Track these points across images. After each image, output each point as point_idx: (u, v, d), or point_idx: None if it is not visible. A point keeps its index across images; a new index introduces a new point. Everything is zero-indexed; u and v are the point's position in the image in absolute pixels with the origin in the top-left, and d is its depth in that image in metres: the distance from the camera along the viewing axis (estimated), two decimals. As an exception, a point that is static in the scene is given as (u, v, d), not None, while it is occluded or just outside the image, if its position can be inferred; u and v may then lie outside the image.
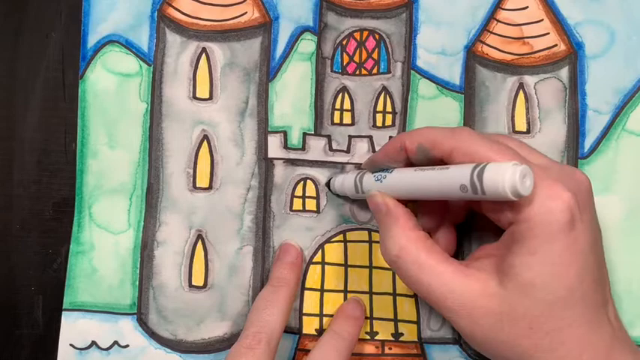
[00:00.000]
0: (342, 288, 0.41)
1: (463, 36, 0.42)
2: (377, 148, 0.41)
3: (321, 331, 0.41)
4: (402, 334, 0.41)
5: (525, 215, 0.30)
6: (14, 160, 0.42)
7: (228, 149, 0.41)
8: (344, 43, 0.42)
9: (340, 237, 0.41)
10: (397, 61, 0.42)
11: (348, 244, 0.41)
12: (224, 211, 0.41)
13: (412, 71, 0.42)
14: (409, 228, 0.34)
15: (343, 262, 0.41)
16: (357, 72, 0.42)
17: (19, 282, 0.41)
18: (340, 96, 0.42)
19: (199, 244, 0.41)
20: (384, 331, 0.41)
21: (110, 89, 0.41)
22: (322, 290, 0.41)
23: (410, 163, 0.36)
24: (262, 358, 0.35)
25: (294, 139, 0.41)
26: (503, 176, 0.28)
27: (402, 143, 0.35)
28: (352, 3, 0.42)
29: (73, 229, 0.41)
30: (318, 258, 0.41)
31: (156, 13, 0.42)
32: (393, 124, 0.41)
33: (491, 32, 0.41)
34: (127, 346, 0.41)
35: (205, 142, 0.41)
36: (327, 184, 0.41)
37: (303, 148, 0.41)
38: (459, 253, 0.40)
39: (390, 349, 0.41)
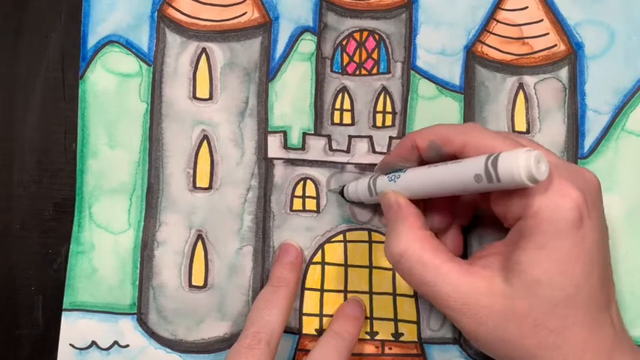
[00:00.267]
0: (342, 288, 0.41)
1: (463, 36, 0.42)
2: (377, 148, 0.41)
3: (321, 331, 0.41)
4: (402, 334, 0.41)
5: (534, 210, 0.30)
6: (14, 160, 0.42)
7: (228, 149, 0.41)
8: (344, 43, 0.42)
9: (340, 237, 0.41)
10: (397, 61, 0.42)
11: (348, 244, 0.41)
12: (224, 211, 0.41)
13: (412, 71, 0.42)
14: (417, 227, 0.34)
15: (343, 262, 0.41)
16: (357, 72, 0.42)
17: (19, 282, 0.41)
18: (340, 96, 0.42)
19: (199, 244, 0.41)
20: (384, 331, 0.41)
21: (110, 89, 0.41)
22: (322, 290, 0.41)
23: (422, 163, 0.35)
24: (262, 358, 0.35)
25: (294, 139, 0.41)
26: (518, 162, 0.28)
27: (413, 142, 0.35)
28: (352, 3, 0.42)
29: (73, 229, 0.41)
30: (318, 258, 0.41)
31: (156, 14, 0.42)
32: (393, 124, 0.41)
33: (490, 32, 0.42)
34: (127, 346, 0.41)
35: (205, 142, 0.41)
36: (341, 193, 0.41)
37: (303, 148, 0.41)
38: (462, 257, 0.40)
39: (390, 349, 0.41)
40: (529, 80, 0.41)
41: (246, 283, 0.41)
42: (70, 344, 0.41)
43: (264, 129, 0.42)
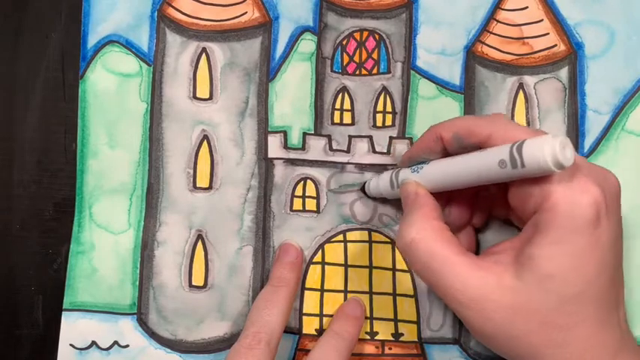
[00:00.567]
0: (342, 288, 0.41)
1: (463, 36, 0.42)
2: (377, 148, 0.41)
3: (321, 331, 0.41)
4: (402, 334, 0.41)
5: (552, 203, 0.30)
6: (14, 160, 0.42)
7: (228, 149, 0.41)
8: (344, 43, 0.42)
9: (340, 237, 0.41)
10: (397, 61, 0.42)
11: (348, 244, 0.41)
12: (224, 211, 0.41)
13: (412, 71, 0.42)
14: (432, 217, 0.34)
15: (343, 262, 0.41)
16: (357, 72, 0.42)
17: (19, 282, 0.41)
18: (340, 96, 0.42)
19: (199, 244, 0.41)
20: (384, 331, 0.41)
21: (110, 89, 0.41)
22: (322, 290, 0.41)
23: (446, 156, 0.35)
24: (262, 358, 0.35)
25: (294, 138, 0.42)
26: (544, 147, 0.28)
27: (438, 134, 0.35)
28: (352, 3, 0.42)
29: (73, 229, 0.41)
30: (318, 258, 0.41)
31: (156, 13, 0.42)
32: (393, 124, 0.42)
33: (490, 32, 0.42)
34: (127, 346, 0.41)
35: (205, 142, 0.41)
36: (362, 189, 0.41)
37: (303, 148, 0.42)
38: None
39: (390, 349, 0.41)
40: (529, 80, 0.41)
41: (246, 283, 0.41)
42: (70, 344, 0.41)
43: (264, 129, 0.42)
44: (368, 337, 0.41)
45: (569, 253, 0.30)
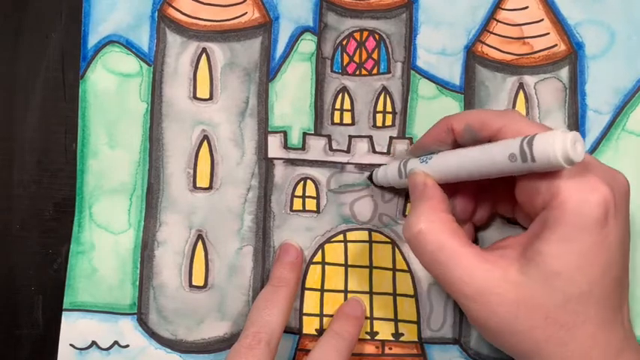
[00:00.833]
0: (342, 288, 0.41)
1: (463, 36, 0.42)
2: (377, 148, 0.42)
3: (321, 331, 0.41)
4: (402, 334, 0.41)
5: (561, 200, 0.30)
6: (14, 160, 0.42)
7: (228, 149, 0.42)
8: (344, 43, 0.42)
9: (340, 237, 0.42)
10: (397, 61, 0.42)
11: (348, 244, 0.42)
12: (224, 211, 0.41)
13: (412, 71, 0.42)
14: (440, 209, 0.34)
15: (343, 262, 0.41)
16: (357, 72, 0.42)
17: (19, 282, 0.42)
18: (340, 96, 0.42)
19: (199, 244, 0.41)
20: (384, 331, 0.41)
21: (110, 89, 0.42)
22: (322, 290, 0.41)
23: (456, 147, 0.36)
24: (262, 358, 0.35)
25: (294, 138, 0.42)
26: (554, 141, 0.28)
27: (449, 125, 0.35)
28: (352, 3, 0.42)
29: (73, 229, 0.41)
30: (318, 258, 0.42)
31: (156, 14, 0.42)
32: (393, 124, 0.42)
33: (491, 32, 0.42)
34: (127, 346, 0.41)
35: (205, 142, 0.42)
36: (369, 178, 0.41)
37: (303, 148, 0.42)
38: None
39: (390, 349, 0.41)
40: (529, 80, 0.42)
41: (246, 283, 0.41)
42: (71, 344, 0.41)
43: (264, 129, 0.42)
44: (368, 337, 0.41)
45: (576, 251, 0.30)
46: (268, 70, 0.42)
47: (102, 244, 0.41)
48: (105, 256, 0.41)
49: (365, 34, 0.42)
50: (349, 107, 0.42)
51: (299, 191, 0.42)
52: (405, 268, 0.41)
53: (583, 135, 0.41)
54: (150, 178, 0.42)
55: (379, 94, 0.42)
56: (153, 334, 0.41)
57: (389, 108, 0.42)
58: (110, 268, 0.41)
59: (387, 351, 0.41)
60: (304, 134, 0.42)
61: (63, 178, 0.42)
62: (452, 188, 0.37)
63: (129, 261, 0.41)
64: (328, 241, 0.42)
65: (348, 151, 0.42)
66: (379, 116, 0.42)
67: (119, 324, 0.41)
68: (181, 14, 0.42)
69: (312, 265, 0.41)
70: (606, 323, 0.32)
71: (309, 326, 0.41)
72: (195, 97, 0.42)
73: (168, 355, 0.41)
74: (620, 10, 0.42)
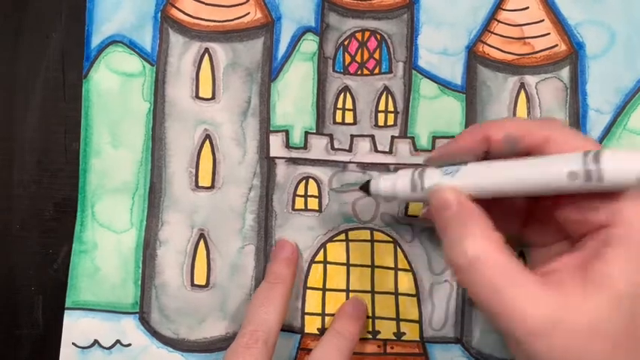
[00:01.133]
0: (344, 287, 0.42)
1: (464, 36, 0.43)
2: (379, 148, 0.43)
3: (323, 331, 0.42)
4: (404, 334, 0.42)
5: (626, 217, 0.29)
6: (14, 160, 0.43)
7: (230, 148, 0.43)
8: (346, 43, 0.43)
9: (342, 236, 0.43)
10: (399, 61, 0.43)
11: (350, 243, 0.43)
12: (226, 210, 0.43)
13: (414, 71, 0.43)
14: (491, 228, 0.31)
15: (345, 262, 0.43)
16: (359, 72, 0.43)
17: (19, 282, 0.43)
18: (342, 95, 0.43)
19: (201, 243, 0.43)
20: (386, 331, 0.42)
21: (113, 89, 0.43)
22: (324, 289, 0.42)
23: (484, 159, 0.34)
24: (260, 357, 0.36)
25: (296, 138, 0.43)
26: (629, 160, 0.27)
27: (485, 134, 0.33)
28: (354, 4, 0.43)
29: (75, 228, 0.42)
30: (320, 257, 0.43)
31: (159, 14, 0.43)
32: (395, 124, 0.43)
33: (492, 32, 0.43)
34: (129, 345, 0.42)
35: (207, 141, 0.43)
36: (362, 188, 0.38)
37: (305, 147, 0.43)
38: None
39: (392, 348, 0.42)
40: (530, 80, 0.43)
41: (248, 282, 0.42)
42: (73, 343, 0.42)
43: (266, 128, 0.43)
44: (370, 336, 0.42)
45: None
46: (270, 70, 0.43)
47: (104, 243, 0.42)
48: (107, 255, 0.42)
49: (367, 34, 0.43)
50: (351, 107, 0.43)
51: (301, 190, 0.43)
52: (407, 267, 0.42)
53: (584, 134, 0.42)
54: (152, 177, 0.43)
55: (381, 94, 0.43)
56: (155, 333, 0.42)
57: (391, 107, 0.43)
58: (112, 267, 0.42)
59: (388, 350, 0.42)
60: (306, 133, 0.43)
61: (63, 178, 0.43)
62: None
63: (131, 260, 0.42)
64: (330, 240, 0.43)
65: (349, 151, 0.43)
66: (381, 116, 0.43)
67: (121, 323, 0.42)
68: (184, 15, 0.43)
69: (314, 265, 0.43)
70: None
71: (311, 325, 0.42)
72: (197, 97, 0.43)
73: (170, 354, 0.42)
74: (620, 11, 0.43)
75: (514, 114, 0.43)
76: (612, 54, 0.43)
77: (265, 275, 0.41)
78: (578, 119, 0.43)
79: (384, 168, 0.43)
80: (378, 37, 0.44)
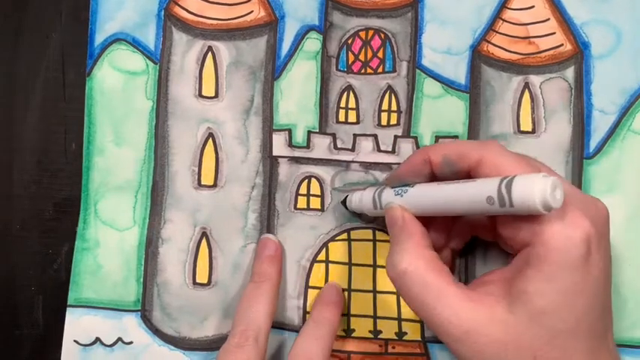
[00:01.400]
0: (345, 286, 0.44)
1: (469, 35, 0.44)
2: (382, 147, 0.44)
3: (324, 330, 0.42)
4: (405, 333, 0.43)
5: (544, 238, 0.32)
6: (14, 160, 0.44)
7: (233, 147, 0.44)
8: (349, 42, 0.44)
9: (344, 235, 0.44)
10: (402, 60, 0.44)
11: (352, 242, 0.44)
12: (229, 208, 0.44)
13: (417, 70, 0.44)
14: (423, 245, 0.36)
15: (347, 261, 0.44)
16: (363, 71, 0.44)
17: (19, 282, 0.44)
18: (345, 94, 0.44)
19: (204, 242, 0.44)
20: (388, 330, 0.43)
21: (117, 87, 0.44)
22: (326, 289, 0.43)
23: (432, 180, 0.37)
24: (252, 355, 0.38)
25: (299, 137, 0.44)
26: (533, 188, 0.30)
27: (426, 156, 0.37)
28: (358, 2, 0.44)
29: (78, 226, 0.44)
30: (322, 256, 0.44)
31: (162, 12, 0.44)
32: (398, 123, 0.44)
33: (496, 32, 0.44)
34: (130, 342, 0.44)
35: (210, 139, 0.44)
36: (343, 203, 0.43)
37: (307, 146, 0.44)
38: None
39: (394, 347, 0.43)
40: (535, 80, 0.44)
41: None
42: (74, 340, 0.43)
43: (269, 127, 0.44)
44: (371, 335, 0.43)
45: (562, 289, 0.32)
46: (274, 68, 0.44)
47: (107, 240, 0.44)
48: (109, 252, 0.44)
49: (370, 32, 0.44)
50: (354, 106, 0.44)
51: (303, 189, 0.44)
52: (410, 267, 0.44)
53: (588, 135, 0.43)
54: (155, 175, 0.44)
55: (384, 93, 0.44)
56: (156, 331, 0.44)
57: (394, 107, 0.44)
58: (115, 265, 0.44)
59: (390, 350, 0.43)
60: (309, 132, 0.44)
61: (63, 178, 0.44)
62: (425, 217, 0.38)
63: (133, 258, 0.44)
64: (332, 239, 0.44)
65: (352, 150, 0.44)
66: (384, 115, 0.44)
67: (123, 320, 0.44)
68: (187, 13, 0.44)
69: (316, 264, 0.44)
70: (594, 352, 0.34)
71: (313, 325, 0.42)
72: (200, 95, 0.44)
73: (171, 352, 0.44)
74: (626, 10, 0.44)
75: (518, 114, 0.44)
76: (618, 54, 0.44)
77: (251, 275, 0.42)
78: (582, 119, 0.44)
79: (387, 168, 0.44)
80: (382, 35, 0.45)
